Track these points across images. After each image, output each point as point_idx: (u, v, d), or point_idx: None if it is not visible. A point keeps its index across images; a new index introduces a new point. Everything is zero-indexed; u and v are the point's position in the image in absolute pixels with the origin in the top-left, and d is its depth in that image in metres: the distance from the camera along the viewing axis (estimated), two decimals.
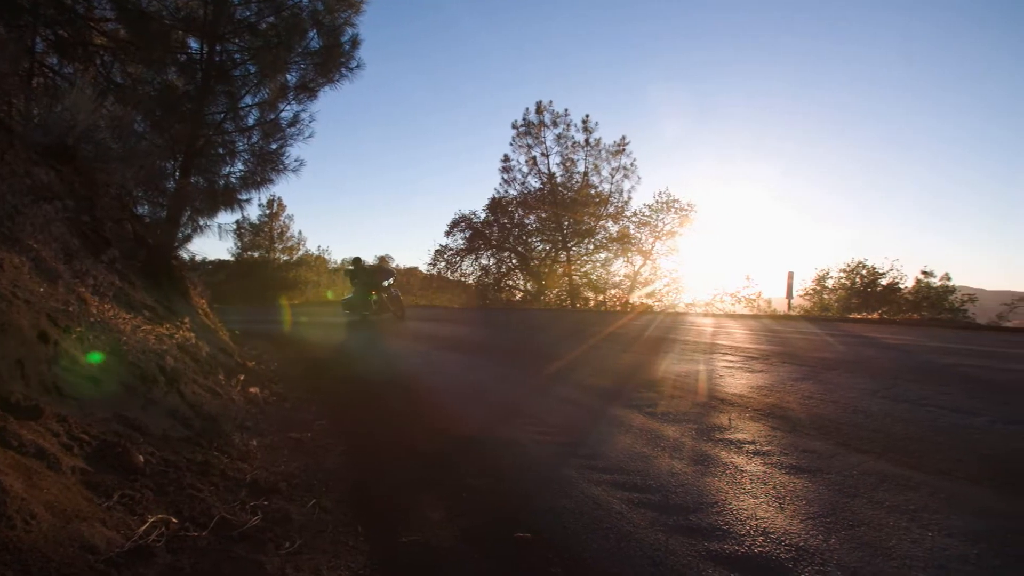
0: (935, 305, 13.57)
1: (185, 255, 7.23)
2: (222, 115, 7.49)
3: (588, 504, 2.09)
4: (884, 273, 15.00)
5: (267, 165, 7.82)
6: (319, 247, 34.79)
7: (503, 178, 26.78)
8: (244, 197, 7.82)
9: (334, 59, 7.68)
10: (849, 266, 15.53)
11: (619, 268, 25.12)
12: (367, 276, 12.14)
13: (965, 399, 3.23)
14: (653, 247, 23.94)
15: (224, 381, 3.66)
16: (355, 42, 7.71)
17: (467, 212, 26.52)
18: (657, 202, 23.78)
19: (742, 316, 12.13)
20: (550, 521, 1.96)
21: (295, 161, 7.81)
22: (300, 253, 32.87)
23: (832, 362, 4.59)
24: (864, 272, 15.13)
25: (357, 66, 7.82)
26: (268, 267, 31.11)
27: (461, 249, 26.60)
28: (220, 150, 7.73)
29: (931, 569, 1.56)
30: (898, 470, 2.25)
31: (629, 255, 24.47)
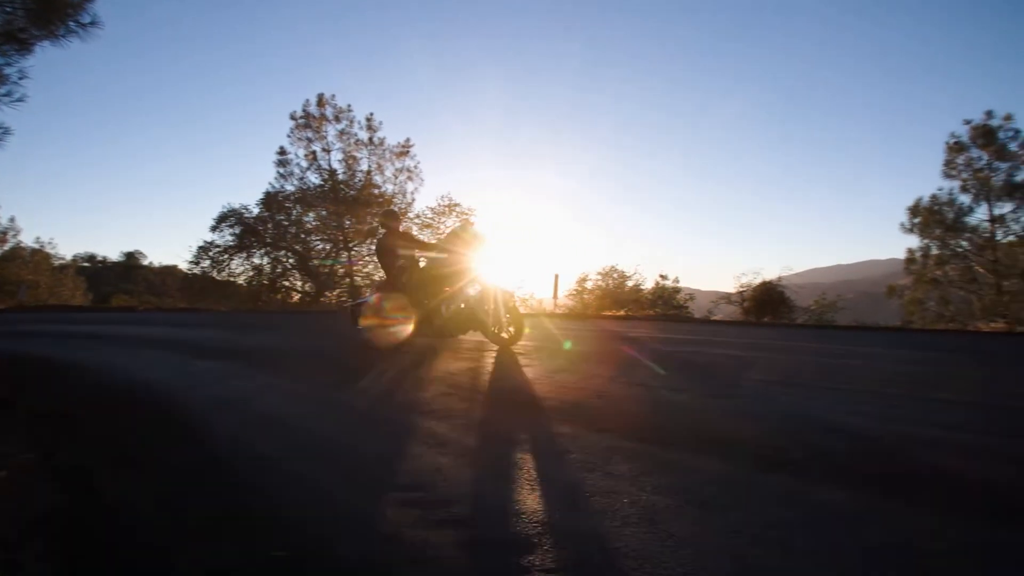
0: (667, 303, 16.41)
1: None
2: None
3: (351, 511, 2.04)
4: (631, 276, 17.66)
5: None
6: (38, 239, 28.42)
7: (279, 172, 24.86)
8: None
9: (56, 8, 6.22)
10: (604, 270, 17.97)
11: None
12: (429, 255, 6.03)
13: (679, 380, 3.95)
14: None
15: None
16: None
17: (237, 206, 24.02)
18: (440, 205, 24.34)
19: None
20: (310, 535, 1.87)
21: None
22: (10, 246, 26.44)
23: (586, 355, 5.23)
24: (616, 275, 17.65)
25: (92, 23, 6.42)
26: None
27: (230, 247, 24.03)
28: None
29: (643, 524, 1.86)
30: (628, 444, 2.64)
31: None
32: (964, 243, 18.74)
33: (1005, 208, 18.07)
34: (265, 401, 3.85)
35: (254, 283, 23.98)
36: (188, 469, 2.56)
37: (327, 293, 24.55)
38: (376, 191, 24.83)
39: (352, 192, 24.59)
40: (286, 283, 24.98)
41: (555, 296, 15.78)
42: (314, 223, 25.26)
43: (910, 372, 4.17)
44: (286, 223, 24.71)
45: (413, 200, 25.20)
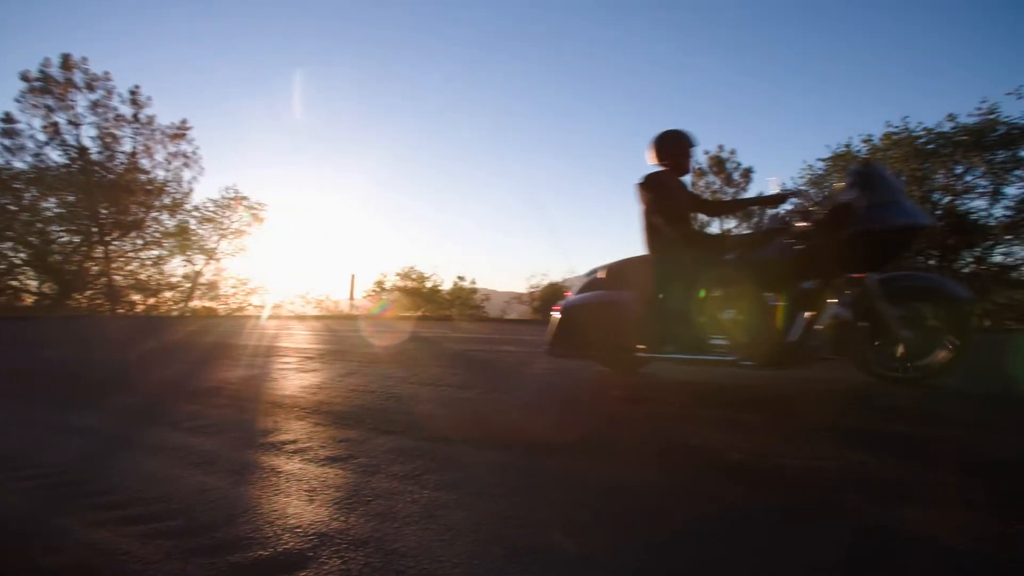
0: (464, 303, 17.10)
1: None
2: None
3: (86, 553, 1.75)
4: (429, 277, 18.07)
5: None
6: None
7: (4, 144, 20.27)
8: None
9: None
10: (403, 270, 18.07)
11: (177, 267, 22.16)
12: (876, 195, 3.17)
13: (468, 377, 4.12)
14: (219, 246, 22.06)
15: None
16: None
17: None
18: (224, 198, 22.05)
19: (310, 317, 12.43)
20: None
21: None
22: None
23: (376, 356, 5.17)
24: (414, 276, 17.85)
25: None
26: None
27: None
28: None
29: (423, 521, 1.90)
30: (413, 443, 2.68)
31: (189, 253, 21.88)
32: None
33: (730, 224, 22.50)
34: None
35: None
36: None
37: (76, 295, 20.58)
38: (144, 177, 21.53)
39: (111, 176, 20.97)
40: (14, 283, 20.37)
41: (351, 297, 15.37)
42: (57, 210, 20.98)
43: None
44: (14, 208, 20.15)
45: (191, 190, 22.44)
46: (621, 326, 3.73)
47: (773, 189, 3.65)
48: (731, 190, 22.68)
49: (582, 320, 3.91)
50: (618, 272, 3.96)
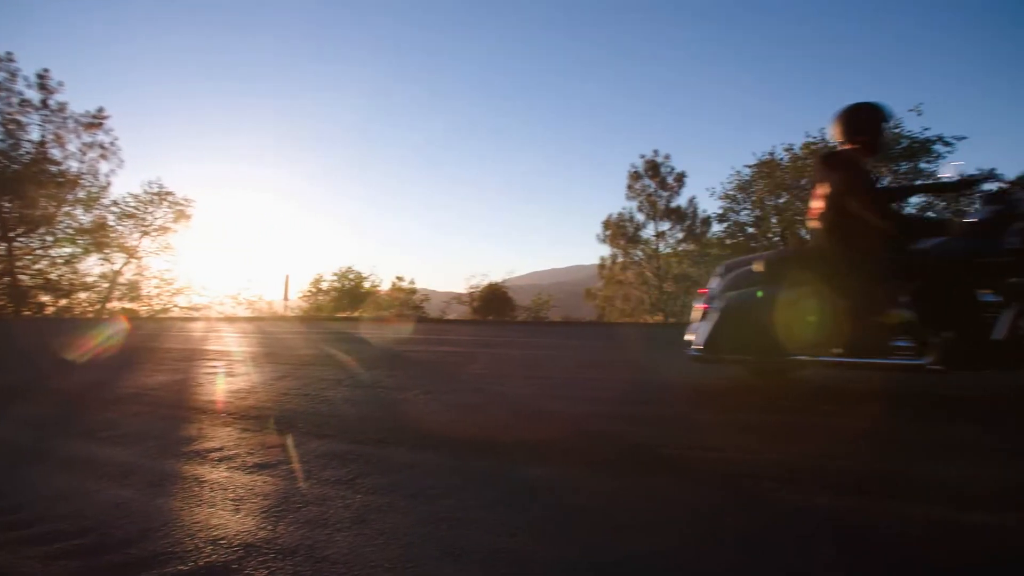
0: (404, 304, 16.94)
1: None
2: None
3: None
4: (367, 277, 17.79)
5: None
6: None
7: None
8: None
9: None
10: (340, 271, 17.71)
11: (93, 267, 20.69)
12: None
13: (404, 379, 4.09)
14: (140, 244, 20.77)
15: None
16: None
17: None
18: (146, 193, 20.77)
19: (241, 319, 11.96)
20: None
21: None
22: None
23: (310, 358, 5.05)
24: (352, 276, 17.53)
25: None
26: None
27: None
28: None
29: (355, 526, 1.87)
30: (346, 447, 2.63)
31: (107, 251, 20.49)
32: (639, 252, 23.63)
33: (665, 226, 23.46)
34: None
35: None
36: None
37: None
38: (53, 168, 19.97)
39: (15, 166, 19.34)
40: None
41: (285, 298, 14.91)
42: None
43: (592, 360, 5.03)
44: None
45: (109, 184, 21.02)
46: (787, 326, 3.32)
47: (949, 174, 3.34)
48: (664, 192, 23.49)
49: (746, 320, 3.48)
50: (781, 265, 3.54)
